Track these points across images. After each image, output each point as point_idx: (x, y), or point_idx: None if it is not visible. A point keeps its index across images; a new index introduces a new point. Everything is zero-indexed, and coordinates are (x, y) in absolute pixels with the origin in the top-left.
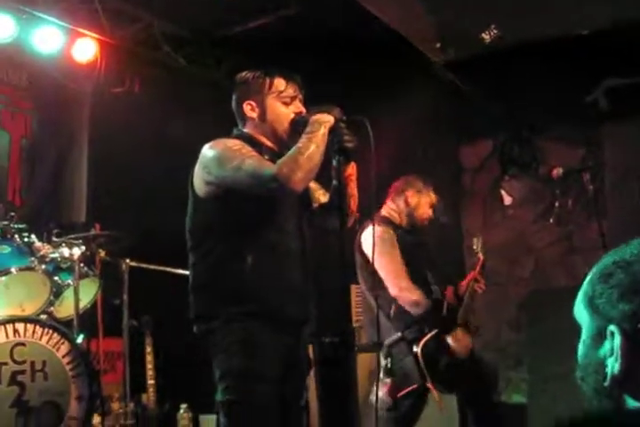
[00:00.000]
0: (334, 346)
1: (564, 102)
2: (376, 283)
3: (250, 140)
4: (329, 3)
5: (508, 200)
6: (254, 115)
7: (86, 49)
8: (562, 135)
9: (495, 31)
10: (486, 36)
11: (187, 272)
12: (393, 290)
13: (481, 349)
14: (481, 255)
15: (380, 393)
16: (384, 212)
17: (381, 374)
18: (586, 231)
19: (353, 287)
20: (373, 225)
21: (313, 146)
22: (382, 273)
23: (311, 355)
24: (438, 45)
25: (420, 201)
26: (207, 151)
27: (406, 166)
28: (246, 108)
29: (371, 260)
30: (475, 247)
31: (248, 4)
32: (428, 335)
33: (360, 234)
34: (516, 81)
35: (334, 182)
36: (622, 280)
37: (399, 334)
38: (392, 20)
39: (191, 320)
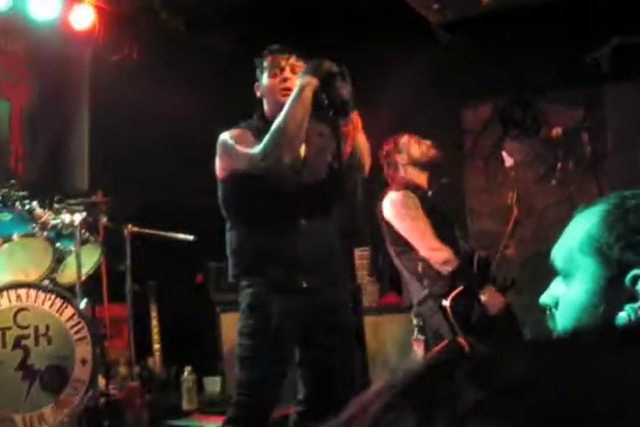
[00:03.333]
0: None
1: (565, 63)
2: (401, 246)
3: (257, 127)
4: None
5: (509, 162)
6: (259, 94)
7: (84, 16)
8: (563, 96)
9: None
10: None
11: (189, 237)
12: (422, 251)
13: None
14: (515, 209)
15: (418, 351)
16: (401, 174)
17: (415, 334)
18: (587, 192)
19: (356, 250)
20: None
21: (288, 117)
22: (409, 236)
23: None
24: (436, 6)
25: (410, 142)
26: (219, 139)
27: (407, 128)
28: (256, 89)
29: (394, 225)
30: (509, 201)
31: None
32: (457, 289)
33: (380, 201)
34: (516, 43)
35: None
36: None
37: (426, 291)
38: None
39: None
